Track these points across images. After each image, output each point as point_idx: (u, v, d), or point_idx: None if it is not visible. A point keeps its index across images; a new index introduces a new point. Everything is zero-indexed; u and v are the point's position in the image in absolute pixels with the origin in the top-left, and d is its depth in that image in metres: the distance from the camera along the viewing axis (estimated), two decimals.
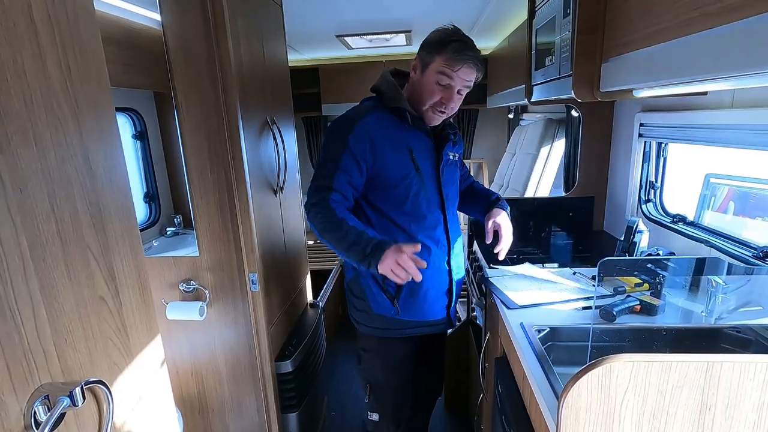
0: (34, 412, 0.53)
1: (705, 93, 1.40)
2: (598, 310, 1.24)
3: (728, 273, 1.22)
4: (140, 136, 2.22)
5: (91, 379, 0.61)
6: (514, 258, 1.91)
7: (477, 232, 2.27)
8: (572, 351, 1.23)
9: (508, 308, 1.38)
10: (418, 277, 1.21)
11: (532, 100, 1.98)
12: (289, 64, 3.98)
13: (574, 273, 1.64)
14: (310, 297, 2.29)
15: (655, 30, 0.96)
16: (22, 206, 0.55)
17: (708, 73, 0.79)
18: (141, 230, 2.29)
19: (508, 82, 2.74)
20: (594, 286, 1.52)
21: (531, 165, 2.62)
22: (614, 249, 1.71)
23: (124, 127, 2.30)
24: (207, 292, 1.61)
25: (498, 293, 1.49)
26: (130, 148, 2.30)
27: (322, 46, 3.41)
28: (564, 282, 1.55)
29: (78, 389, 0.55)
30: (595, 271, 1.62)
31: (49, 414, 0.53)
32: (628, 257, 1.53)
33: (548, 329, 1.24)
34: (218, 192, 1.52)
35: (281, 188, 1.84)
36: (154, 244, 2.18)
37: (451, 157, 1.48)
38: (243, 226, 1.51)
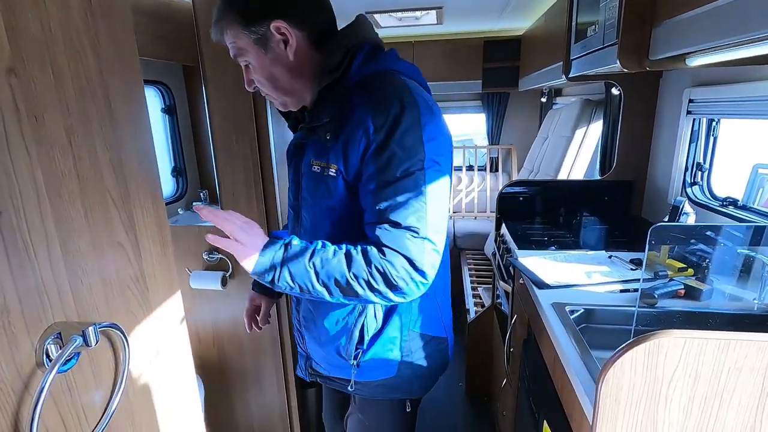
0: (47, 350, 0.51)
1: None
2: (638, 292, 1.16)
3: None
4: (169, 110, 2.23)
5: (107, 323, 0.58)
6: (544, 241, 1.83)
7: (503, 211, 2.19)
8: (608, 334, 1.15)
9: (539, 288, 1.31)
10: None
11: (570, 75, 1.87)
12: None
13: (610, 257, 1.55)
14: None
15: None
16: (38, 136, 0.53)
17: None
18: (168, 203, 2.34)
19: (542, 60, 2.61)
20: (632, 269, 1.42)
21: (564, 148, 2.50)
22: None
23: (154, 100, 2.31)
24: (230, 262, 1.60)
25: (528, 273, 1.42)
26: (159, 122, 2.32)
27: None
28: (598, 268, 1.47)
29: (92, 329, 0.53)
30: (632, 255, 1.52)
31: (60, 352, 0.50)
32: (682, 224, 1.41)
33: (582, 310, 1.17)
34: (243, 164, 1.50)
35: None
36: (180, 214, 2.20)
37: (315, 168, 0.95)
38: (267, 198, 1.48)
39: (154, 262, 0.75)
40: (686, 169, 1.73)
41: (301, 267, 0.83)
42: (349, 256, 0.83)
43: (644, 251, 1.10)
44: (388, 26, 3.33)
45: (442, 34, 3.68)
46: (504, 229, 2.08)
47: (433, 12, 2.92)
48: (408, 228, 0.83)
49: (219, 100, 1.47)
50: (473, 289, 2.85)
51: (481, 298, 2.71)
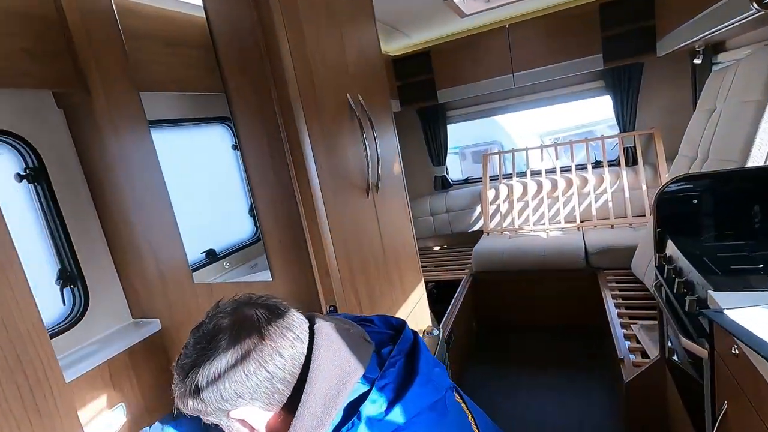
0: None
1: None
2: None
3: None
4: (236, 146, 2.05)
5: None
6: (749, 269, 1.13)
7: (666, 221, 1.50)
8: None
9: None
10: None
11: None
12: (397, 52, 3.63)
13: None
14: (427, 319, 1.80)
15: None
16: None
17: None
18: (245, 247, 2.14)
19: (698, 2, 1.85)
20: None
21: (754, 119, 1.68)
22: None
23: (224, 137, 2.17)
24: None
25: (756, 344, 0.79)
26: (232, 159, 2.16)
27: (431, 21, 2.94)
28: None
29: None
30: None
31: None
32: None
33: None
34: (282, 201, 1.15)
35: (375, 186, 1.40)
36: (257, 264, 1.97)
37: None
38: (312, 240, 1.10)
39: None
40: None
41: None
42: None
43: None
44: (474, 12, 2.83)
45: (541, 10, 3.03)
46: (672, 249, 1.40)
47: None
48: None
49: (248, 130, 1.17)
50: (624, 326, 2.11)
51: (638, 342, 1.97)
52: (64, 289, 1.41)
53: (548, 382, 2.46)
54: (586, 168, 3.27)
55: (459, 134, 4.20)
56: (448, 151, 3.83)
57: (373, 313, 1.31)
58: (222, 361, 0.63)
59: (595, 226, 3.13)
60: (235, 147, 2.11)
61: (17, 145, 1.31)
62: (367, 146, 1.34)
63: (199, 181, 1.89)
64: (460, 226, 3.81)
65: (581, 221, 3.22)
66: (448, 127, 3.78)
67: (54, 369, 0.88)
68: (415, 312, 1.66)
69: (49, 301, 1.38)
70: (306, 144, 1.07)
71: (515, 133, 5.25)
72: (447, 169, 3.91)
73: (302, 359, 0.65)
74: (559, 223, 3.28)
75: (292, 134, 1.07)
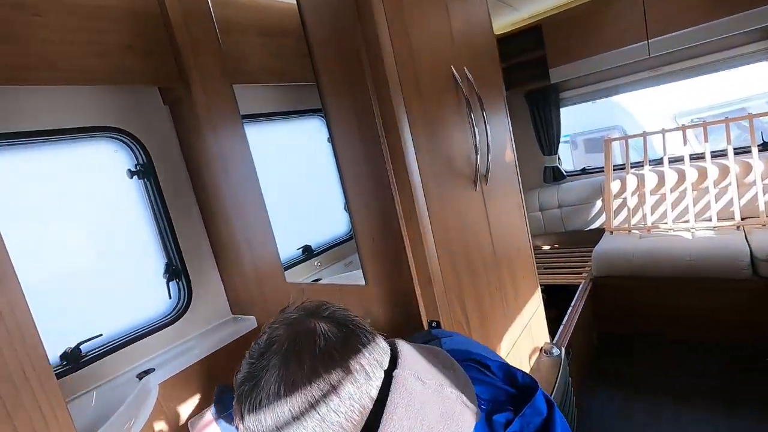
0: None
1: None
2: None
3: None
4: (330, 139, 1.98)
5: None
6: None
7: None
8: None
9: None
10: None
11: None
12: (501, 30, 3.29)
13: None
14: (544, 333, 1.53)
15: None
16: None
17: None
18: (340, 243, 2.06)
19: None
20: None
21: None
22: None
23: (320, 129, 2.11)
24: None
25: None
26: (328, 152, 2.10)
27: None
28: None
29: None
30: None
31: None
32: None
33: None
34: (376, 194, 1.00)
35: (484, 176, 1.18)
36: (352, 261, 1.88)
37: None
38: (411, 240, 0.92)
39: None
40: None
41: None
42: None
43: None
44: None
45: None
46: None
47: None
48: None
49: (339, 118, 1.03)
50: None
51: None
52: (170, 283, 1.45)
53: (697, 419, 1.97)
54: (749, 152, 2.60)
55: (569, 120, 3.71)
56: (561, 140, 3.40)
57: (482, 330, 1.10)
58: (266, 388, 0.47)
59: (764, 225, 2.47)
60: (329, 140, 2.03)
61: (128, 142, 1.37)
62: (476, 129, 1.12)
63: (296, 176, 1.85)
64: (575, 224, 3.35)
65: (742, 218, 2.57)
66: (561, 110, 3.34)
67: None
68: (531, 326, 1.40)
69: (157, 294, 1.43)
70: (404, 126, 0.90)
71: (641, 114, 4.50)
72: (559, 158, 3.46)
73: (369, 407, 0.47)
74: (710, 220, 2.66)
75: (387, 115, 0.90)
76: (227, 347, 1.38)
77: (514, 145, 1.44)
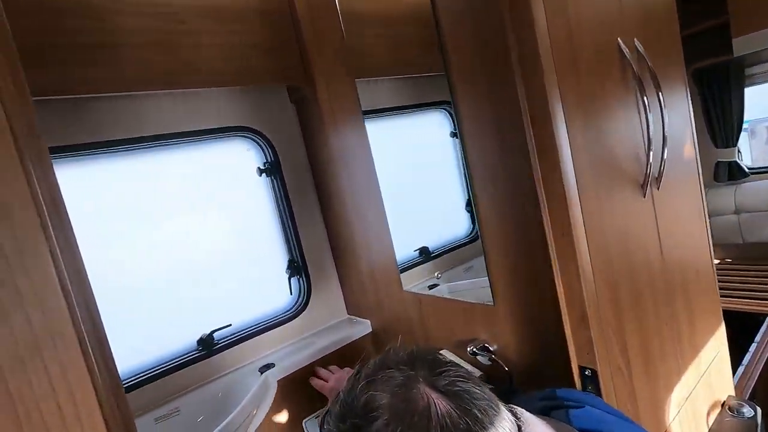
0: None
1: None
2: None
3: None
4: (455, 133, 1.83)
5: None
6: None
7: None
8: None
9: None
10: None
11: None
12: None
13: None
14: (727, 384, 1.17)
15: None
16: None
17: None
18: (459, 246, 1.90)
19: None
20: None
21: None
22: None
23: (442, 124, 1.98)
24: (511, 373, 0.92)
25: None
26: (450, 148, 1.96)
27: None
28: None
29: None
30: None
31: None
32: None
33: None
34: (514, 199, 0.82)
35: (657, 180, 0.91)
36: (473, 266, 1.71)
37: None
38: (560, 260, 0.72)
39: None
40: None
41: None
42: None
43: None
44: None
45: None
46: None
47: None
48: None
49: (470, 105, 0.87)
50: None
51: None
52: (292, 279, 1.47)
53: None
54: None
55: (747, 103, 2.93)
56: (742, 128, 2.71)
57: (646, 379, 0.85)
58: None
59: None
60: (453, 134, 1.87)
61: (259, 141, 1.41)
62: (650, 118, 0.86)
63: (413, 173, 1.75)
64: (759, 234, 2.65)
65: None
66: (745, 90, 2.65)
67: None
68: (710, 374, 1.07)
69: (279, 290, 1.45)
70: (558, 116, 0.70)
71: None
72: (739, 151, 2.76)
73: None
74: None
75: (536, 103, 0.72)
76: (340, 350, 1.35)
77: (695, 137, 1.11)
